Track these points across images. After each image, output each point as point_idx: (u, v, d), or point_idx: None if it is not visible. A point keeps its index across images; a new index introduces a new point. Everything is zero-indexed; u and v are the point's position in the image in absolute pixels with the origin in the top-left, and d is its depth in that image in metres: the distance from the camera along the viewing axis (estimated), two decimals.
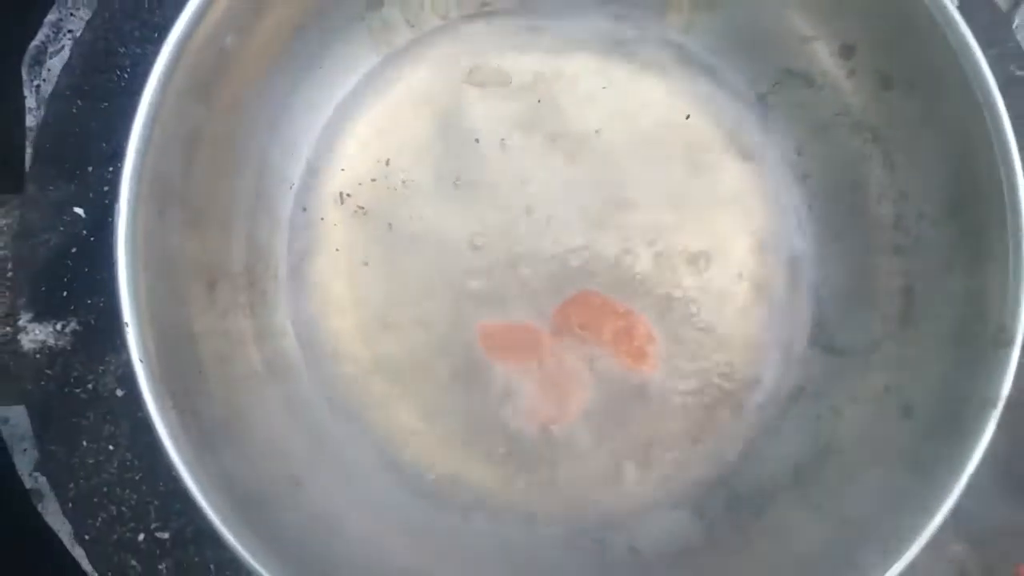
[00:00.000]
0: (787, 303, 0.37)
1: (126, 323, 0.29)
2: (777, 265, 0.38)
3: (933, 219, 0.34)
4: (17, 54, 0.37)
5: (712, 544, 0.34)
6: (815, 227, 0.38)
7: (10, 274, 0.34)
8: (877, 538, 0.30)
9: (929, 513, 0.29)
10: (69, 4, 0.37)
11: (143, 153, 0.30)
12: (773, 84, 0.38)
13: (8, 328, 0.34)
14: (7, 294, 0.34)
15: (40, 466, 0.33)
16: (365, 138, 0.38)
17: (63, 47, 0.37)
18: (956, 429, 0.30)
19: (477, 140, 0.38)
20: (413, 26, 0.39)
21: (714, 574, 0.33)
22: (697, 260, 0.38)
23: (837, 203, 0.37)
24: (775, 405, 0.36)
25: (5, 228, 0.35)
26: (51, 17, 0.37)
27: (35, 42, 0.37)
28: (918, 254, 0.35)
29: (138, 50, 0.35)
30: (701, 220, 0.38)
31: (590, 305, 0.37)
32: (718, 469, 0.36)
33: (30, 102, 0.37)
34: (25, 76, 0.37)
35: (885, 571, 0.28)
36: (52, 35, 0.37)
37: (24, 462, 0.35)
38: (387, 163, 0.38)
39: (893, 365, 0.34)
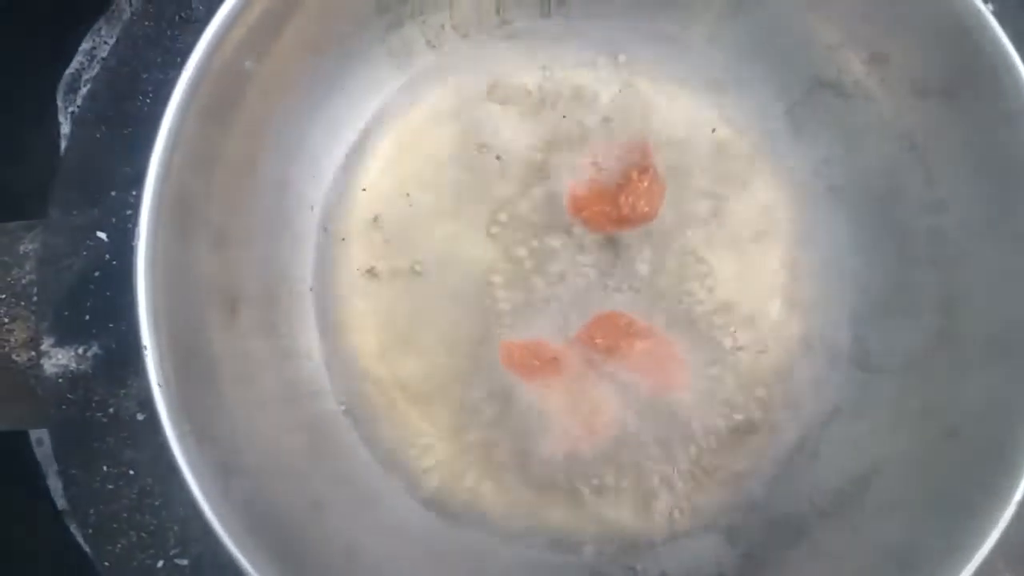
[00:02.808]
0: (822, 320, 0.36)
1: (145, 347, 0.28)
2: (810, 280, 0.37)
3: (974, 230, 0.33)
4: (53, 81, 0.37)
5: (746, 572, 0.32)
6: (849, 240, 0.36)
7: (35, 299, 0.34)
8: (922, 567, 0.28)
9: (977, 540, 0.27)
10: (103, 33, 0.38)
11: (163, 177, 0.30)
12: (802, 94, 0.37)
13: (32, 353, 0.34)
14: (32, 319, 0.34)
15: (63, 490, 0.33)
16: (387, 159, 0.38)
17: (97, 74, 0.37)
18: (1004, 450, 0.28)
19: (499, 158, 0.38)
20: (434, 46, 0.38)
21: None
22: (726, 276, 0.37)
23: (872, 215, 0.36)
24: (811, 427, 0.35)
25: (31, 253, 0.35)
26: (85, 45, 0.38)
27: (70, 69, 0.38)
28: (958, 267, 0.33)
29: (160, 76, 0.35)
30: (731, 236, 0.37)
31: (615, 326, 0.36)
32: (752, 494, 0.34)
33: (64, 128, 0.37)
34: (60, 103, 0.38)
35: None
36: (87, 63, 0.38)
37: (57, 483, 0.35)
38: (410, 183, 0.37)
39: (935, 384, 0.32)
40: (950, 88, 0.33)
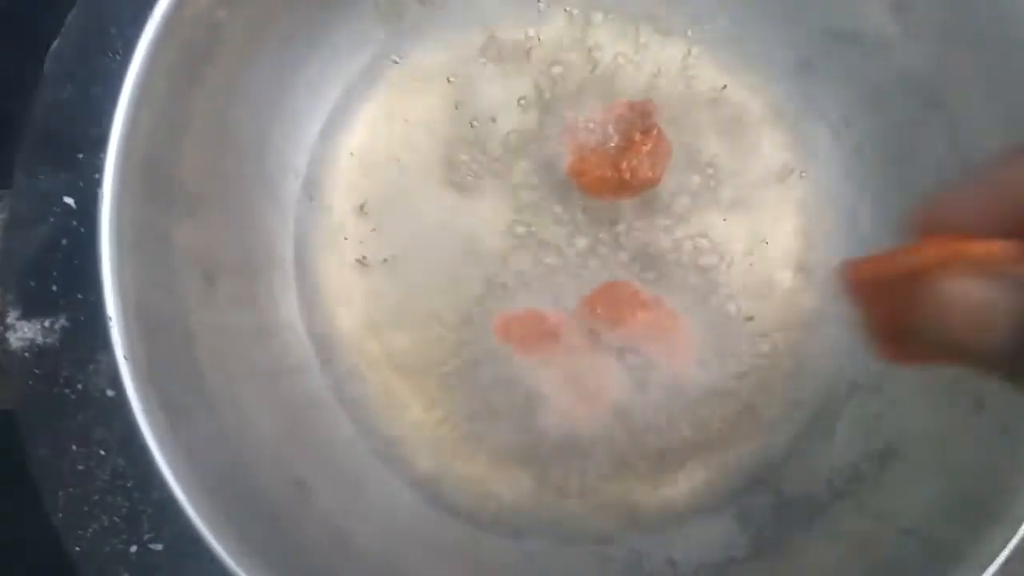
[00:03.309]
0: (835, 289, 0.34)
1: (110, 317, 0.27)
2: (825, 248, 0.34)
3: None
4: (42, 50, 0.35)
5: (757, 555, 0.30)
6: (868, 204, 0.34)
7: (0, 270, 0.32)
8: (946, 551, 0.26)
9: (1009, 524, 0.25)
10: None
11: (129, 137, 0.28)
12: (818, 47, 0.35)
13: (0, 326, 0.32)
14: None
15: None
16: (374, 121, 0.36)
17: (64, 30, 0.35)
18: None
19: (494, 119, 0.35)
20: (423, 2, 0.36)
21: None
22: (736, 244, 0.34)
23: (893, 177, 0.34)
24: (826, 403, 0.33)
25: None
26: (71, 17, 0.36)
27: (58, 41, 0.35)
28: None
29: (130, 31, 0.33)
30: (740, 201, 0.35)
31: (618, 296, 0.34)
32: (763, 472, 0.32)
33: None
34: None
35: None
36: None
37: None
38: (399, 147, 0.35)
39: None
40: (977, 36, 0.31)
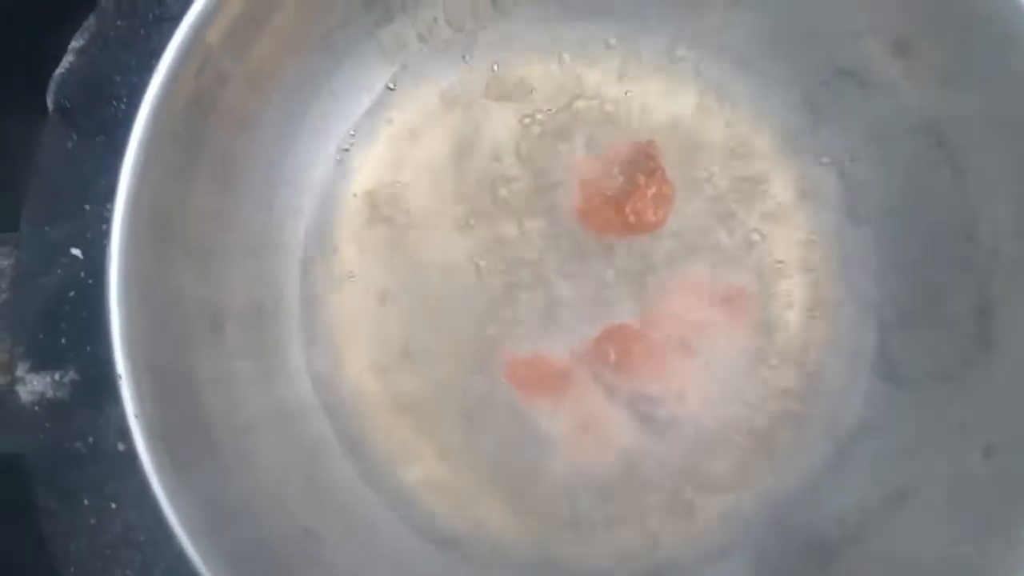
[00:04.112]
0: (844, 327, 0.34)
1: (120, 375, 0.27)
2: (832, 285, 0.34)
3: (1010, 230, 0.30)
4: (43, 82, 0.35)
5: None
6: (874, 241, 0.34)
7: (9, 323, 0.32)
8: None
9: (1018, 568, 0.25)
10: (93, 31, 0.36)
11: (136, 188, 0.28)
12: (822, 84, 0.35)
13: (8, 377, 0.32)
14: (8, 341, 0.32)
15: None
16: (378, 162, 0.36)
17: (68, 78, 0.35)
18: None
19: (499, 159, 0.35)
20: (426, 40, 0.36)
21: None
22: (744, 283, 0.34)
23: (898, 214, 0.34)
24: (837, 443, 0.33)
25: (7, 269, 0.33)
26: (75, 44, 0.36)
27: (59, 70, 0.35)
28: (994, 270, 0.31)
29: (135, 79, 0.33)
30: (746, 240, 0.35)
31: (625, 337, 0.34)
32: (776, 515, 0.32)
33: None
34: (51, 104, 0.36)
35: None
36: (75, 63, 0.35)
37: None
38: (403, 188, 0.35)
39: (971, 397, 0.30)
40: (981, 79, 0.31)
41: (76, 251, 0.32)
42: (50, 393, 0.31)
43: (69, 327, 0.31)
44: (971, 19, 0.30)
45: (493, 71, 0.36)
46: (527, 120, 0.36)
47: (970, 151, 0.32)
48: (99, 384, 0.31)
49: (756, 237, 0.35)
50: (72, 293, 0.31)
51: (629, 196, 0.34)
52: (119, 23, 0.33)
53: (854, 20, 0.33)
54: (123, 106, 0.33)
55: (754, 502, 0.32)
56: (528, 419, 0.33)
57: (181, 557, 0.27)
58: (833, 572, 0.30)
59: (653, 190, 0.34)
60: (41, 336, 0.31)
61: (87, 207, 0.32)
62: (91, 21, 0.34)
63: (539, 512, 0.32)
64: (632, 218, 0.34)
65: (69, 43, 0.36)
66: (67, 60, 0.35)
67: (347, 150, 0.35)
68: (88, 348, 0.31)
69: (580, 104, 0.36)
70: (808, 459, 0.33)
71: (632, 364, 0.33)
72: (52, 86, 0.35)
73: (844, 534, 0.31)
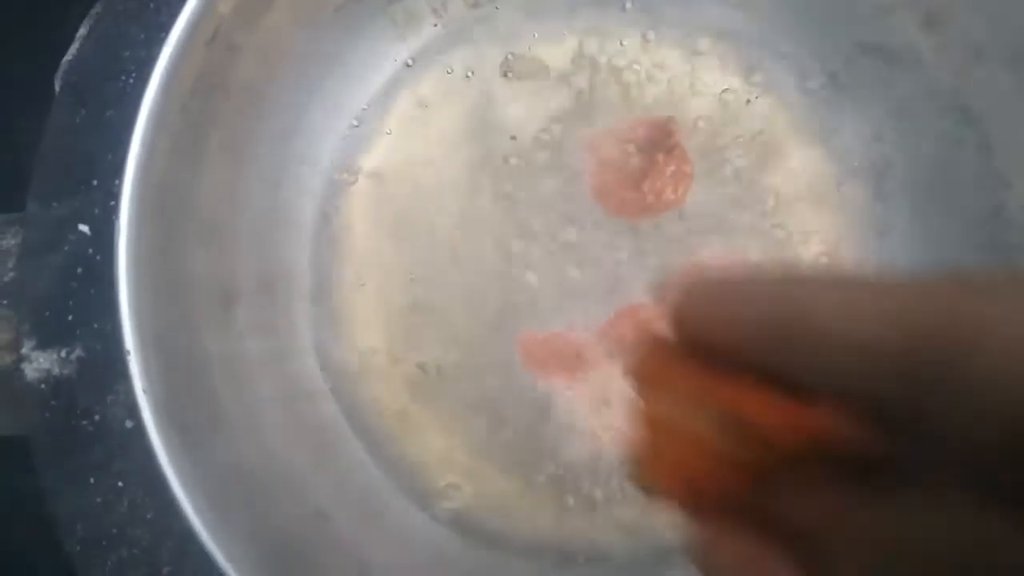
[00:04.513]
0: None
1: (128, 351, 0.26)
2: (855, 264, 0.34)
3: None
4: (52, 67, 0.35)
5: None
6: (899, 222, 0.33)
7: (15, 301, 0.31)
8: None
9: None
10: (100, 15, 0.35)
11: (145, 164, 0.28)
12: (845, 61, 0.34)
13: (15, 355, 0.31)
14: (14, 319, 0.32)
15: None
16: (392, 141, 0.35)
17: (75, 53, 0.35)
18: None
19: (514, 137, 0.35)
20: (440, 16, 0.35)
21: None
22: (762, 259, 0.34)
23: (925, 194, 0.33)
24: None
25: (13, 249, 0.33)
26: (83, 31, 0.35)
27: (67, 57, 0.35)
28: (1020, 250, 0.30)
29: (143, 53, 0.32)
30: (768, 221, 0.34)
31: (641, 318, 0.33)
32: None
33: None
34: (58, 88, 0.35)
35: None
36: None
37: None
38: (417, 168, 0.35)
39: None
40: (1009, 51, 0.30)
41: (84, 227, 0.31)
42: (56, 371, 0.30)
43: (76, 304, 0.31)
44: None
45: (508, 48, 0.35)
46: (542, 98, 0.35)
47: (998, 128, 0.31)
48: (106, 361, 0.30)
49: (776, 216, 0.34)
50: (80, 270, 0.31)
51: (647, 174, 0.33)
52: None
53: None
54: (131, 80, 0.32)
55: None
56: (541, 399, 0.33)
57: (188, 535, 0.27)
58: None
59: (672, 168, 0.33)
60: (47, 313, 0.31)
61: (95, 183, 0.31)
62: (98, 8, 0.34)
63: (552, 491, 0.32)
64: (650, 196, 0.33)
65: (77, 31, 0.35)
66: (74, 47, 0.35)
67: (358, 127, 0.35)
68: (95, 325, 0.30)
69: (597, 81, 0.35)
70: None
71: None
72: (60, 72, 0.35)
73: None
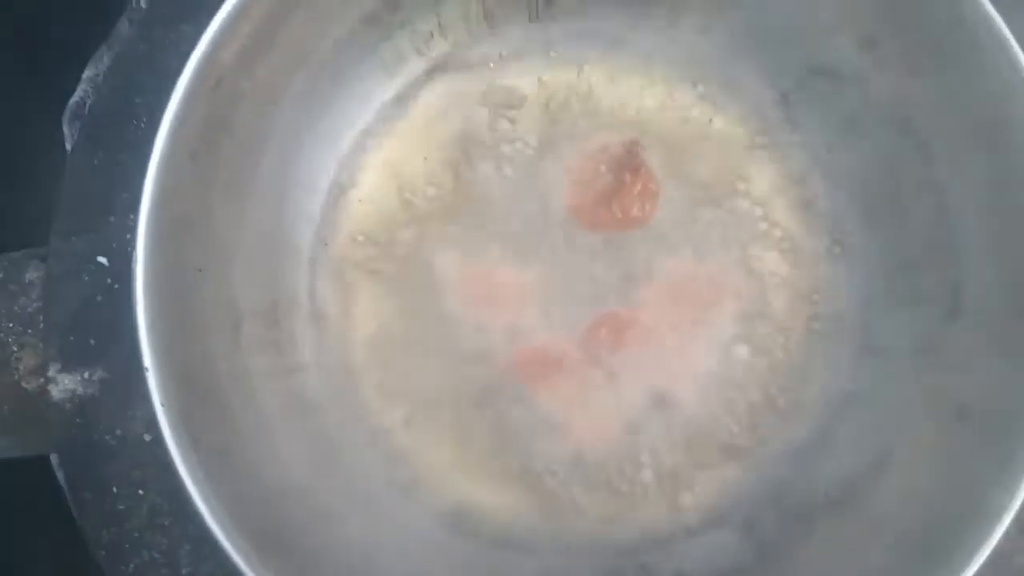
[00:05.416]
0: (829, 308, 0.36)
1: (147, 368, 0.29)
2: (815, 269, 0.36)
3: (975, 208, 0.32)
4: (59, 109, 0.38)
5: (762, 565, 0.32)
6: (853, 226, 0.36)
7: (41, 327, 0.34)
8: (939, 554, 0.27)
9: (991, 522, 0.27)
10: (104, 61, 0.38)
11: (159, 200, 0.30)
12: (796, 81, 0.37)
13: (41, 379, 0.34)
14: (40, 346, 0.35)
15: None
16: (382, 170, 0.38)
17: (92, 101, 0.37)
18: (1015, 426, 0.27)
19: (497, 164, 0.38)
20: (423, 55, 0.39)
21: None
22: (730, 269, 0.36)
23: (873, 199, 0.36)
24: (824, 415, 0.34)
25: (37, 281, 0.36)
26: (88, 73, 0.38)
27: (74, 98, 0.38)
28: (963, 247, 0.33)
29: (153, 98, 0.35)
30: (732, 230, 0.37)
31: (619, 325, 0.36)
32: (766, 485, 0.34)
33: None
34: (66, 131, 0.38)
35: None
36: (90, 90, 0.38)
37: None
38: (406, 191, 0.38)
39: (944, 365, 0.32)
40: (939, 65, 0.32)
41: (102, 259, 0.34)
42: (80, 391, 0.33)
43: (97, 329, 0.33)
44: (931, 10, 0.32)
45: (487, 81, 0.38)
46: (521, 125, 0.38)
47: (937, 136, 0.33)
48: (126, 381, 0.33)
49: (739, 227, 0.37)
50: (99, 298, 0.34)
51: (616, 193, 0.36)
52: (139, 47, 0.36)
53: (824, 18, 0.35)
54: (143, 125, 0.35)
55: (744, 475, 0.34)
56: (530, 404, 0.35)
57: (204, 538, 0.29)
58: (820, 537, 0.31)
59: (639, 187, 0.36)
60: (71, 338, 0.33)
61: (112, 219, 0.34)
62: (103, 51, 0.37)
63: (541, 488, 0.34)
64: (619, 214, 0.36)
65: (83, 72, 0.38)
66: (81, 88, 0.38)
67: (352, 158, 0.38)
68: (115, 348, 0.33)
69: (571, 107, 0.38)
70: (795, 433, 0.34)
71: (624, 349, 0.35)
72: (67, 114, 0.38)
73: (830, 501, 0.32)
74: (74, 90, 0.38)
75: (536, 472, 0.34)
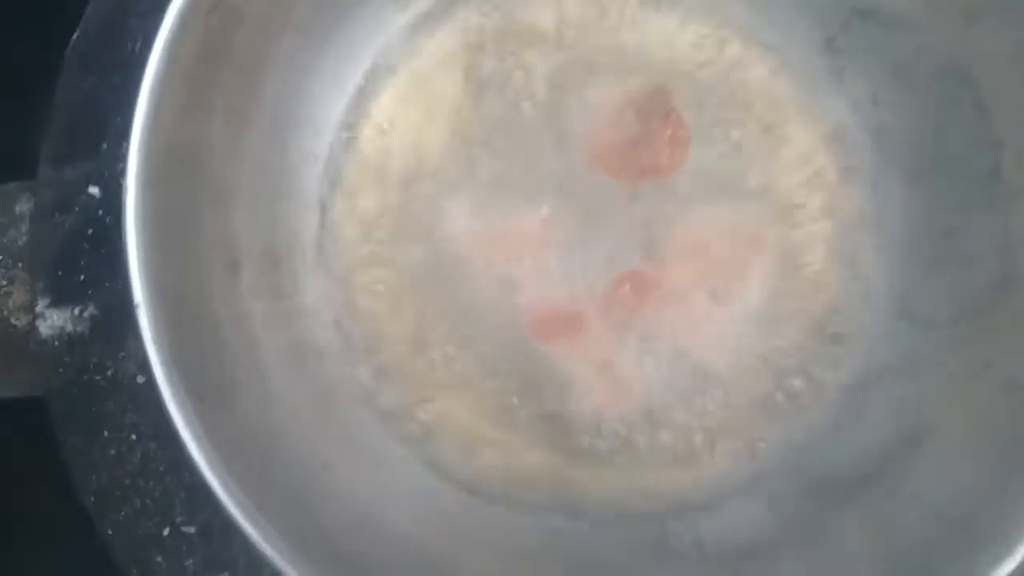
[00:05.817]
0: (868, 271, 0.33)
1: (137, 303, 0.27)
2: (855, 230, 0.34)
3: None
4: (60, 41, 0.36)
5: (786, 538, 0.30)
6: (897, 184, 0.34)
7: (29, 261, 0.33)
8: (981, 535, 0.26)
9: None
10: None
11: (152, 125, 0.28)
12: (842, 26, 0.34)
13: (30, 316, 0.32)
14: (29, 281, 0.33)
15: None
16: (393, 108, 0.36)
17: (83, 21, 0.35)
18: None
19: (515, 103, 0.35)
20: None
21: (788, 571, 0.30)
22: (762, 228, 0.34)
23: (921, 155, 0.33)
24: (856, 386, 0.32)
25: (27, 213, 0.34)
26: (89, 10, 0.36)
27: (76, 35, 0.36)
28: (1016, 209, 0.30)
29: (149, 19, 0.33)
30: (766, 185, 0.34)
31: (641, 283, 0.34)
32: (793, 455, 0.32)
33: None
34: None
35: (992, 573, 0.24)
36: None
37: None
38: (417, 132, 0.35)
39: (994, 335, 0.30)
40: (1001, 12, 0.30)
41: (94, 189, 0.32)
42: (69, 327, 0.31)
43: (88, 264, 0.32)
44: None
45: (507, 15, 0.36)
46: (541, 65, 0.36)
47: (994, 89, 0.31)
48: (118, 318, 0.31)
49: (775, 181, 0.34)
50: (90, 231, 0.32)
51: (643, 139, 0.34)
52: None
53: None
54: (138, 46, 0.33)
55: (769, 444, 0.32)
56: (545, 362, 0.33)
57: (199, 487, 0.28)
58: (848, 513, 0.30)
59: (668, 133, 0.34)
60: (60, 273, 0.32)
61: (104, 146, 0.32)
62: None
63: (556, 450, 0.33)
64: (646, 161, 0.34)
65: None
66: (81, 26, 0.36)
67: (361, 94, 0.35)
68: (107, 284, 0.31)
69: (595, 47, 0.36)
70: (826, 402, 0.33)
71: (648, 307, 0.33)
72: (68, 51, 0.36)
73: (861, 476, 0.30)
74: (75, 28, 0.36)
75: (552, 434, 0.33)
